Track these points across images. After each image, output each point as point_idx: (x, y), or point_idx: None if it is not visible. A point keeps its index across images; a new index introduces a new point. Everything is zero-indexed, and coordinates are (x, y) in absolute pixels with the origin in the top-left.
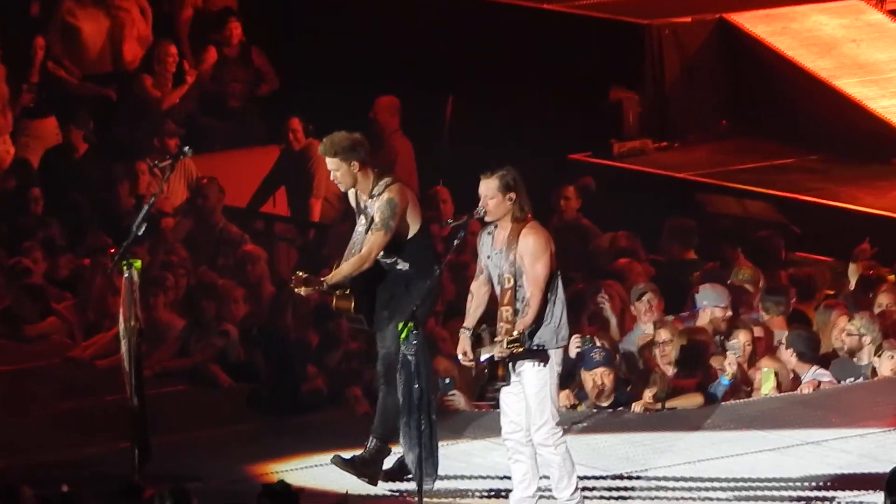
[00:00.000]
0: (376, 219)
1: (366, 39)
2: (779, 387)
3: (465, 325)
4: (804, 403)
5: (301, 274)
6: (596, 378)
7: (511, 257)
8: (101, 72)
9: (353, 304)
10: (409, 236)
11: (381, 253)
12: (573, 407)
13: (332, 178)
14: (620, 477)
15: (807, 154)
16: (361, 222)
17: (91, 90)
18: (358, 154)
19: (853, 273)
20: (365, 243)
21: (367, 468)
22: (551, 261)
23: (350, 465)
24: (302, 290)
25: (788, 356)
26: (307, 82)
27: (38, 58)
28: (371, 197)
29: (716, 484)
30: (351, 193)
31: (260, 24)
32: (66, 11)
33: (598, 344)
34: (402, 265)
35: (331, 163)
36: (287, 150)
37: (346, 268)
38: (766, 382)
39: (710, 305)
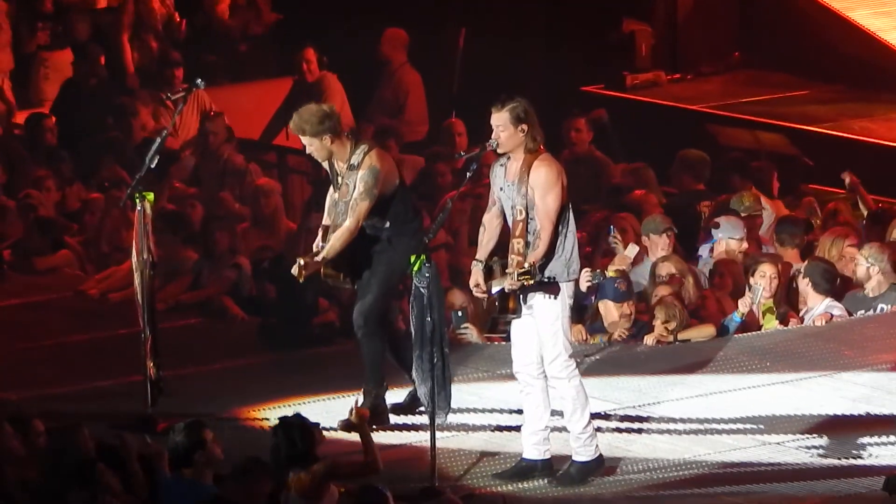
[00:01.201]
0: (360, 188)
1: None
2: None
3: (476, 256)
4: (817, 336)
5: (302, 261)
6: (623, 309)
7: (523, 189)
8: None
9: (341, 274)
10: (387, 195)
11: None
12: (585, 341)
13: (307, 152)
14: (633, 409)
15: (819, 86)
16: (341, 190)
17: (100, 18)
18: (328, 127)
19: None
20: (350, 213)
21: (374, 419)
22: (563, 193)
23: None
24: (304, 274)
25: (804, 286)
26: (318, 14)
27: None
28: (350, 166)
29: (727, 416)
30: (326, 167)
31: None
32: None
33: (616, 275)
34: (383, 223)
35: (303, 139)
36: (300, 81)
37: (336, 242)
38: (767, 317)
39: (726, 237)
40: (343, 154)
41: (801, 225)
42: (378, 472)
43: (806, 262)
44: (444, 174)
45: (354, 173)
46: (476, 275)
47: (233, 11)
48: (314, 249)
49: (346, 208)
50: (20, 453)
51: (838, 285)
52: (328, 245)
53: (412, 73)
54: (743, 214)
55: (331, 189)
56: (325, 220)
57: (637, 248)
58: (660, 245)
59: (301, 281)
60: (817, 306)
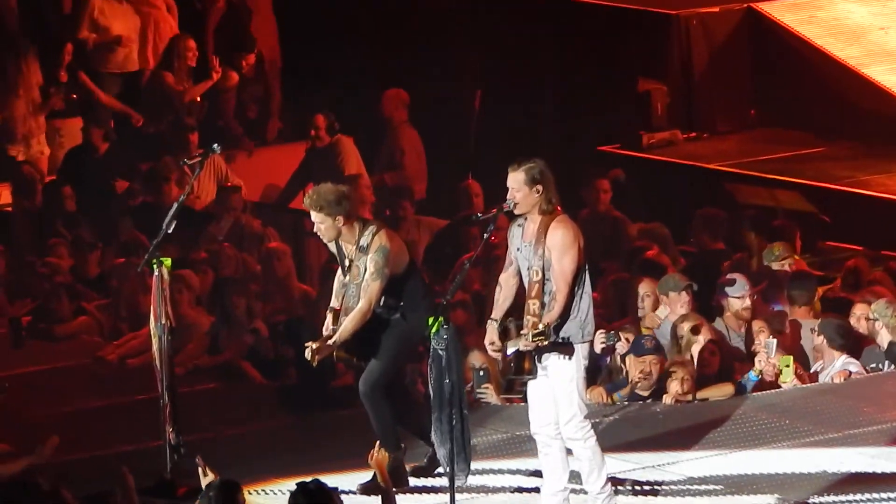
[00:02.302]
0: (371, 268)
1: (393, 33)
2: (800, 377)
3: (492, 316)
4: (835, 393)
5: (313, 346)
6: (645, 366)
7: (540, 250)
8: (128, 70)
9: (353, 356)
10: (398, 275)
11: None
12: (608, 402)
13: (315, 229)
14: (652, 468)
15: (836, 143)
16: (352, 272)
17: (114, 89)
18: (343, 208)
19: None
20: (363, 295)
21: (394, 482)
22: (579, 255)
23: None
24: (317, 358)
25: (819, 342)
26: (332, 78)
27: (66, 59)
28: (360, 248)
29: (747, 474)
30: (333, 249)
31: (291, 20)
32: (97, 9)
33: (646, 333)
34: (396, 304)
35: (315, 216)
36: (312, 147)
37: (350, 324)
38: (783, 370)
39: (729, 295)
40: (351, 236)
41: (813, 282)
42: None
43: (820, 320)
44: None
45: (364, 255)
46: (491, 333)
47: (243, 82)
48: (324, 332)
49: (357, 290)
50: None
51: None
52: (341, 328)
53: (410, 131)
54: (775, 266)
55: (338, 272)
56: (334, 303)
57: (667, 310)
58: (679, 303)
59: (314, 365)
60: (834, 363)
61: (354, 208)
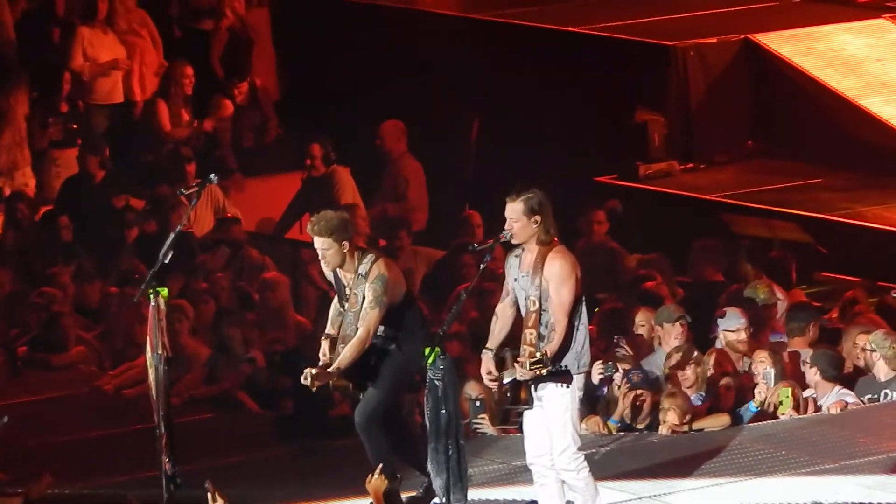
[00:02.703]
0: (369, 296)
1: (392, 61)
2: (797, 407)
3: (487, 345)
4: (831, 423)
5: (314, 371)
6: (633, 398)
7: (537, 281)
8: (115, 101)
9: (350, 384)
10: (396, 305)
11: None
12: (606, 433)
13: (320, 256)
14: (648, 499)
15: (833, 174)
16: (350, 300)
17: (109, 118)
18: (348, 234)
19: None
20: (361, 323)
21: None
22: (577, 286)
23: None
24: (316, 384)
25: (812, 374)
26: (329, 107)
27: (65, 89)
28: (358, 276)
29: None
30: (329, 276)
31: (288, 46)
32: (84, 41)
33: (624, 368)
34: (393, 333)
35: (322, 242)
36: (308, 177)
37: (349, 352)
38: (783, 402)
39: (722, 328)
40: (351, 265)
41: (811, 313)
42: None
43: (812, 351)
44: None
45: (363, 283)
46: (487, 363)
47: (238, 112)
48: (321, 359)
49: (355, 318)
50: None
51: (853, 372)
52: (340, 356)
53: (412, 162)
54: (759, 305)
55: (335, 300)
56: (329, 330)
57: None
58: (673, 334)
59: (313, 391)
60: (828, 394)
61: (355, 234)
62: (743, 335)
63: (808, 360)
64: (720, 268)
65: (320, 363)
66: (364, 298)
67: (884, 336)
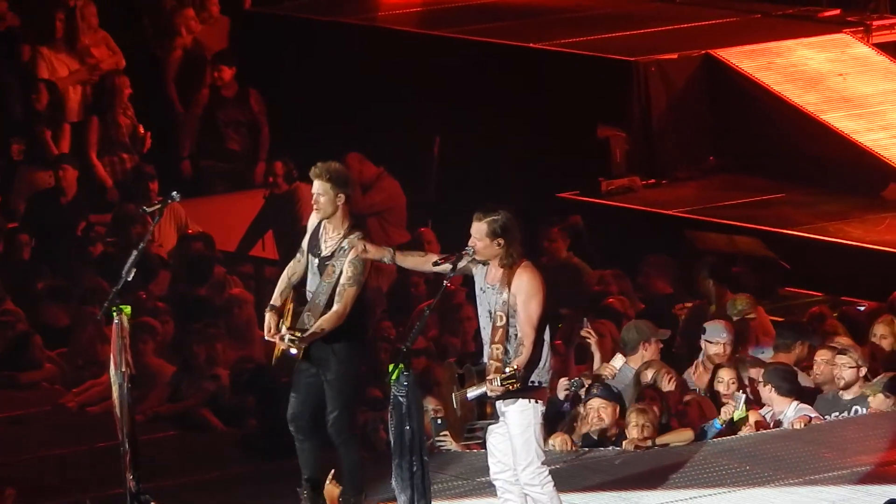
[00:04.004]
0: (349, 272)
1: (353, 78)
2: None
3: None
4: (796, 438)
5: (298, 335)
6: (595, 413)
7: (504, 295)
8: (77, 119)
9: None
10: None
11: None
12: (573, 449)
13: (313, 200)
14: None
15: (795, 189)
16: (326, 270)
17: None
18: (346, 189)
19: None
20: (339, 298)
21: None
22: (545, 301)
23: None
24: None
25: (767, 392)
26: (292, 126)
27: (37, 107)
28: (340, 247)
29: None
30: (311, 224)
31: (247, 69)
32: (46, 60)
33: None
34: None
35: (319, 186)
36: (271, 194)
37: (326, 325)
38: (738, 406)
39: (704, 338)
40: (338, 225)
41: (800, 331)
42: None
43: (763, 370)
44: (418, 285)
45: (343, 257)
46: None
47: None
48: (271, 335)
49: (327, 289)
50: None
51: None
52: (315, 326)
53: (391, 181)
54: (735, 318)
55: (289, 266)
56: (275, 301)
57: (623, 360)
58: (648, 351)
59: (299, 359)
60: (786, 409)
61: (354, 198)
62: (724, 349)
63: (762, 378)
64: (669, 281)
65: (265, 338)
66: (342, 273)
67: (854, 350)
